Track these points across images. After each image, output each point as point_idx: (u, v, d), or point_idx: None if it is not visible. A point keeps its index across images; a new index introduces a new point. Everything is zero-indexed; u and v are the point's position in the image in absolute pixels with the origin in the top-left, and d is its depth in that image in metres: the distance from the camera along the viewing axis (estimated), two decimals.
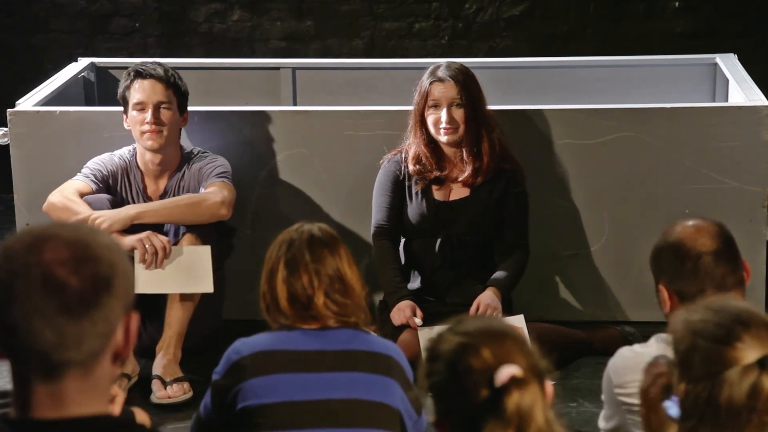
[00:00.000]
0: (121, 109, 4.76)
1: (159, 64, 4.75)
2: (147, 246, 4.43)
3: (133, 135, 4.71)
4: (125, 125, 4.72)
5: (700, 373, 2.08)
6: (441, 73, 4.71)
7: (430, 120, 4.70)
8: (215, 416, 3.11)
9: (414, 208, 4.77)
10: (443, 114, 4.66)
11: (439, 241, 4.75)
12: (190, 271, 4.49)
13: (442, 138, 4.69)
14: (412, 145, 4.75)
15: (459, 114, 4.67)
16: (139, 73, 4.68)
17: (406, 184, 4.78)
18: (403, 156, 4.79)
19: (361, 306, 3.14)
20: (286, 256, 3.10)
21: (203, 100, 5.55)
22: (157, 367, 4.48)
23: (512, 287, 4.73)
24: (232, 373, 3.05)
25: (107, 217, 4.49)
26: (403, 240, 4.85)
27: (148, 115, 4.62)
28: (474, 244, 4.77)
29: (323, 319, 3.09)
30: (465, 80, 4.70)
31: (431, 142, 4.73)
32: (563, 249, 5.07)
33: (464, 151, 4.72)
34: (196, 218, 4.55)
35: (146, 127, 4.63)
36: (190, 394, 4.44)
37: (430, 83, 4.69)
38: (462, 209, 4.75)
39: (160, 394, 4.42)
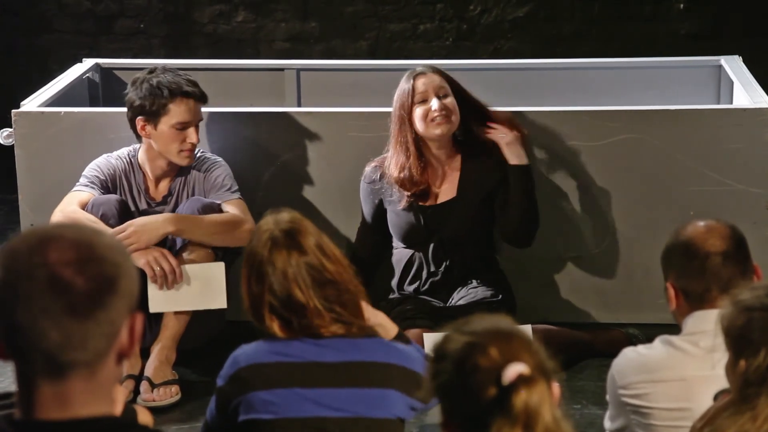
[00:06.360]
0: (124, 110, 4.68)
1: (192, 81, 4.66)
2: (156, 269, 4.42)
3: (159, 148, 4.61)
4: (141, 132, 4.62)
5: (759, 342, 2.36)
6: (420, 69, 4.65)
7: (418, 114, 4.57)
8: (220, 421, 3.10)
9: (401, 218, 4.70)
10: (434, 102, 4.55)
11: (431, 246, 4.72)
12: (204, 289, 4.47)
13: (436, 130, 4.56)
14: (393, 157, 4.65)
15: (450, 102, 4.59)
16: (185, 93, 4.59)
17: (388, 198, 4.71)
18: (380, 172, 4.70)
19: (357, 303, 3.08)
20: (251, 269, 3.04)
21: (207, 101, 5.53)
22: (148, 368, 4.47)
23: (531, 199, 4.67)
24: (233, 383, 3.03)
25: (140, 231, 4.44)
26: (396, 249, 4.81)
27: (192, 134, 4.58)
28: (469, 242, 4.72)
29: (319, 328, 3.04)
30: (444, 74, 4.65)
31: (417, 149, 4.61)
32: (567, 251, 5.06)
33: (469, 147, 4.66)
34: (226, 244, 4.54)
35: (187, 146, 4.60)
36: (177, 397, 4.43)
37: (413, 79, 4.61)
38: (450, 211, 4.69)
39: (146, 396, 4.41)
